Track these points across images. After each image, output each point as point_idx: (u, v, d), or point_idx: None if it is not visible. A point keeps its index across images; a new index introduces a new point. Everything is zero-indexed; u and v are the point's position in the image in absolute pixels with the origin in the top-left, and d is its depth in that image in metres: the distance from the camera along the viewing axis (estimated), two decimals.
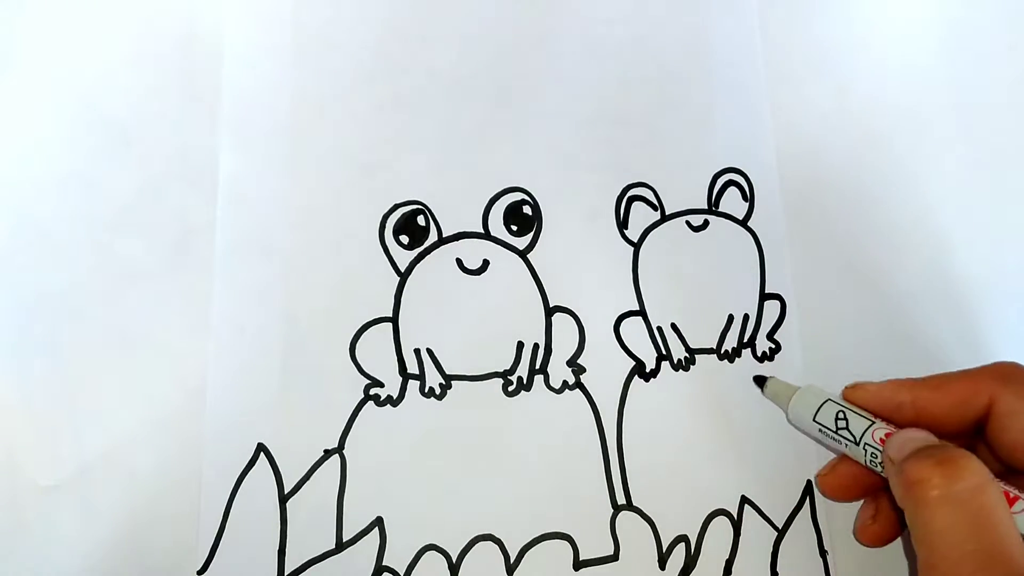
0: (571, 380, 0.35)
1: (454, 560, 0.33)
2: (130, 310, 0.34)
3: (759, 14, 0.39)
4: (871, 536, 0.33)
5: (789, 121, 0.38)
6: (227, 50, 0.36)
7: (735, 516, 0.35)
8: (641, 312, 0.36)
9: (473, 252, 0.36)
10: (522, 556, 0.33)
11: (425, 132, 0.36)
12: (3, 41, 0.34)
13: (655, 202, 0.37)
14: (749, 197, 0.37)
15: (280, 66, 0.36)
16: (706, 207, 0.37)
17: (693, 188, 0.37)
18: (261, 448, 0.34)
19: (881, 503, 0.32)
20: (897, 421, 0.30)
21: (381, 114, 0.36)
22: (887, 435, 0.29)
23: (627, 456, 0.35)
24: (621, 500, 0.34)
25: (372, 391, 0.34)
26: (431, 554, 0.33)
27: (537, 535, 0.34)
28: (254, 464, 0.33)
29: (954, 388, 0.29)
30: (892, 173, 0.38)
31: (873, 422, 0.30)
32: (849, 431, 0.31)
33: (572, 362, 0.35)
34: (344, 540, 0.33)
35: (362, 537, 0.33)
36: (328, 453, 0.34)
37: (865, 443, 0.30)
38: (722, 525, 0.34)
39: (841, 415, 0.31)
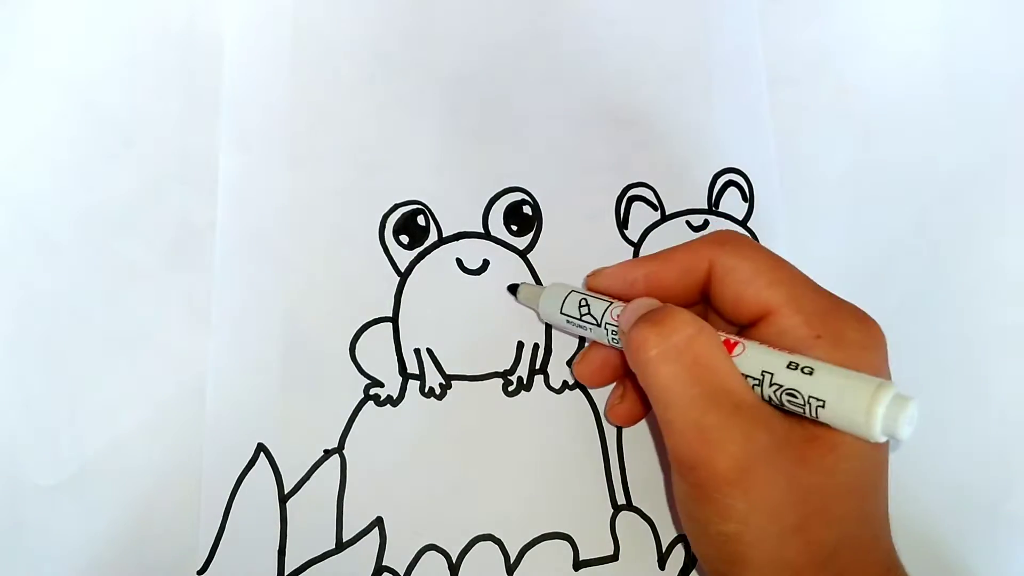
0: (571, 380, 0.35)
1: (454, 560, 0.33)
2: (130, 310, 0.34)
3: (759, 14, 0.39)
4: (620, 415, 0.34)
5: (789, 121, 0.38)
6: (227, 50, 0.36)
7: None
8: None
9: (473, 252, 0.36)
10: (522, 556, 0.33)
11: (425, 132, 0.36)
12: (3, 41, 0.34)
13: (655, 202, 0.37)
14: (749, 197, 0.37)
15: (280, 66, 0.36)
16: (706, 207, 0.37)
17: (693, 188, 0.37)
18: (261, 448, 0.34)
19: (627, 383, 0.33)
20: (632, 298, 0.31)
21: (381, 114, 0.36)
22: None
23: (627, 456, 0.35)
24: (621, 500, 0.34)
25: (372, 391, 0.34)
26: (431, 554, 0.33)
27: (537, 535, 0.34)
28: (254, 464, 0.33)
29: (678, 257, 0.30)
30: (892, 173, 0.38)
31: (611, 303, 0.31)
32: (591, 315, 0.31)
33: (572, 362, 0.35)
34: (344, 540, 0.33)
35: (362, 537, 0.33)
36: (328, 453, 0.34)
37: (606, 323, 0.31)
38: None
39: (584, 302, 0.32)
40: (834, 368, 0.26)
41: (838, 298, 0.29)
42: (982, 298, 0.38)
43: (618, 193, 0.37)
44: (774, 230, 0.37)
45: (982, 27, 0.40)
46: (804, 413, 0.27)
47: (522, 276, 0.36)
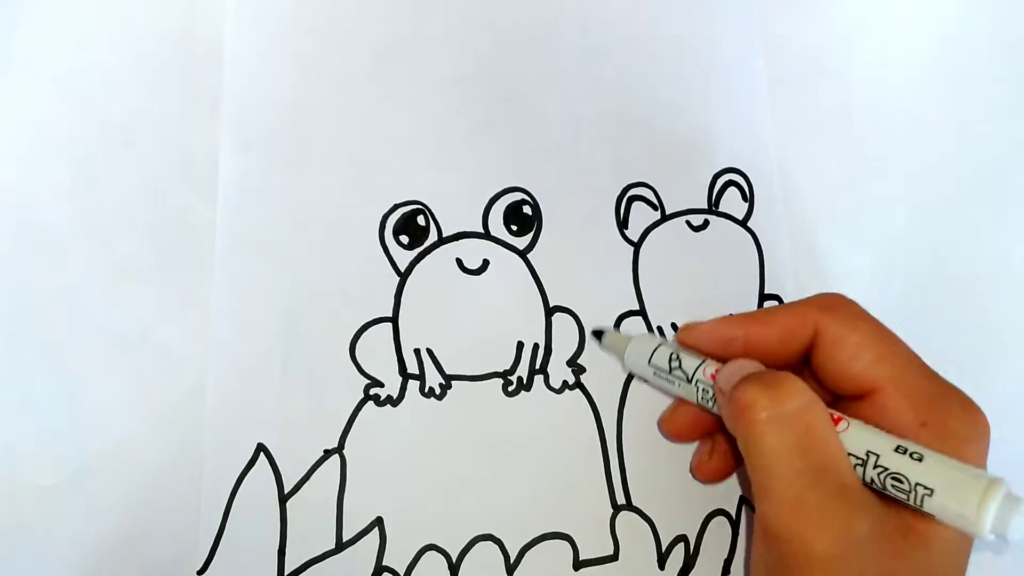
0: (571, 380, 0.35)
1: (454, 560, 0.33)
2: (130, 310, 0.34)
3: (759, 14, 0.39)
4: (707, 472, 0.33)
5: (789, 121, 0.38)
6: (227, 50, 0.36)
7: (734, 516, 0.35)
8: (641, 312, 0.36)
9: (473, 252, 0.36)
10: (522, 556, 0.33)
11: (425, 132, 0.36)
12: (3, 41, 0.34)
13: (655, 202, 0.37)
14: (749, 197, 0.37)
15: (280, 66, 0.36)
16: (706, 207, 0.37)
17: (693, 188, 0.37)
18: (261, 448, 0.34)
19: (717, 440, 0.33)
20: (728, 358, 0.30)
21: (381, 114, 0.36)
22: (717, 371, 0.30)
23: (627, 456, 0.35)
24: (621, 500, 0.34)
25: (372, 391, 0.34)
26: (431, 554, 0.33)
27: (537, 535, 0.34)
28: (254, 464, 0.33)
29: (780, 319, 0.30)
30: (892, 173, 0.38)
31: (704, 360, 0.31)
32: (682, 370, 0.31)
33: (572, 362, 0.35)
34: (344, 540, 0.33)
35: (362, 537, 0.33)
36: (328, 453, 0.34)
37: (697, 380, 0.30)
38: (721, 525, 0.34)
39: (675, 356, 0.31)
40: (944, 458, 0.25)
41: (945, 383, 0.28)
42: (982, 298, 0.38)
43: (618, 193, 0.37)
44: (774, 230, 0.37)
45: (982, 27, 0.40)
46: (908, 500, 0.26)
47: (522, 276, 0.36)
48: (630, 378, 0.35)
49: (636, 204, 0.37)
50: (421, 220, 0.36)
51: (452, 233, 0.36)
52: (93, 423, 0.33)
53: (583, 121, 0.37)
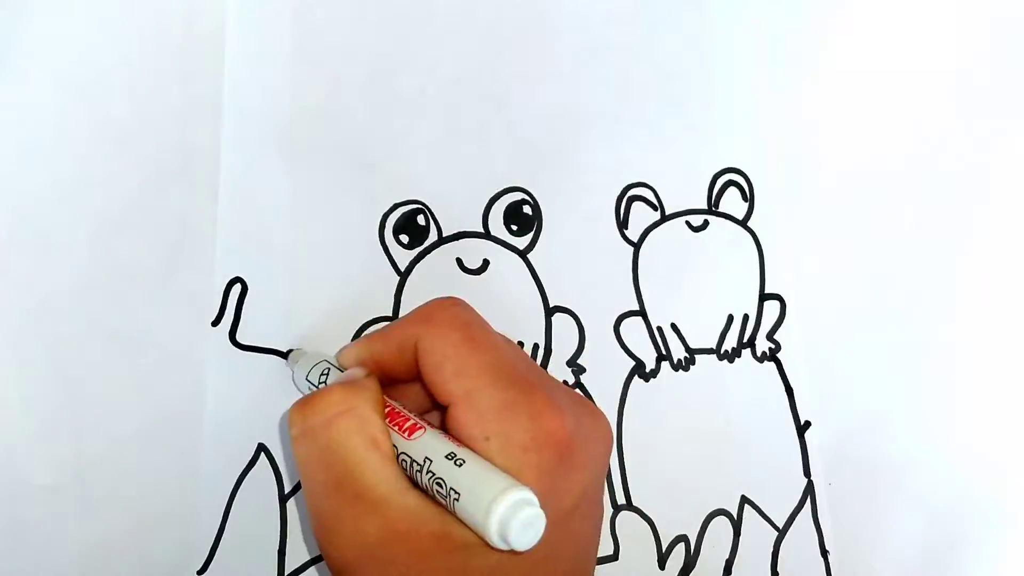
0: (571, 380, 0.35)
1: None
2: (130, 310, 0.34)
3: (759, 14, 0.39)
4: None
5: (789, 121, 0.38)
6: (227, 50, 0.36)
7: (735, 516, 0.35)
8: (641, 312, 0.36)
9: (473, 252, 0.36)
10: None
11: (425, 132, 0.36)
12: (3, 41, 0.34)
13: (655, 202, 0.37)
14: (749, 197, 0.38)
15: (280, 66, 0.36)
16: (706, 207, 0.37)
17: (693, 188, 0.37)
18: (261, 448, 0.34)
19: None
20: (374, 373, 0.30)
21: (381, 114, 0.36)
22: None
23: (627, 456, 0.35)
24: (621, 500, 0.34)
25: None
26: None
27: None
28: (254, 464, 0.33)
29: (395, 334, 0.29)
30: (892, 173, 0.38)
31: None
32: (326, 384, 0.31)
33: (572, 362, 0.35)
34: None
35: None
36: None
37: None
38: (722, 525, 0.34)
39: (326, 371, 0.31)
40: (483, 465, 0.25)
41: (524, 391, 0.27)
42: (983, 298, 0.38)
43: (618, 193, 0.37)
44: (774, 230, 0.37)
45: (983, 26, 0.40)
46: (447, 505, 0.25)
47: (522, 276, 0.36)
48: (630, 378, 0.35)
49: (636, 204, 0.37)
50: (421, 220, 0.36)
51: (452, 233, 0.36)
52: (93, 423, 0.33)
53: (583, 121, 0.37)
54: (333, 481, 0.26)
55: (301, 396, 0.29)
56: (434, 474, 0.25)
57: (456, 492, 0.25)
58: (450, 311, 0.29)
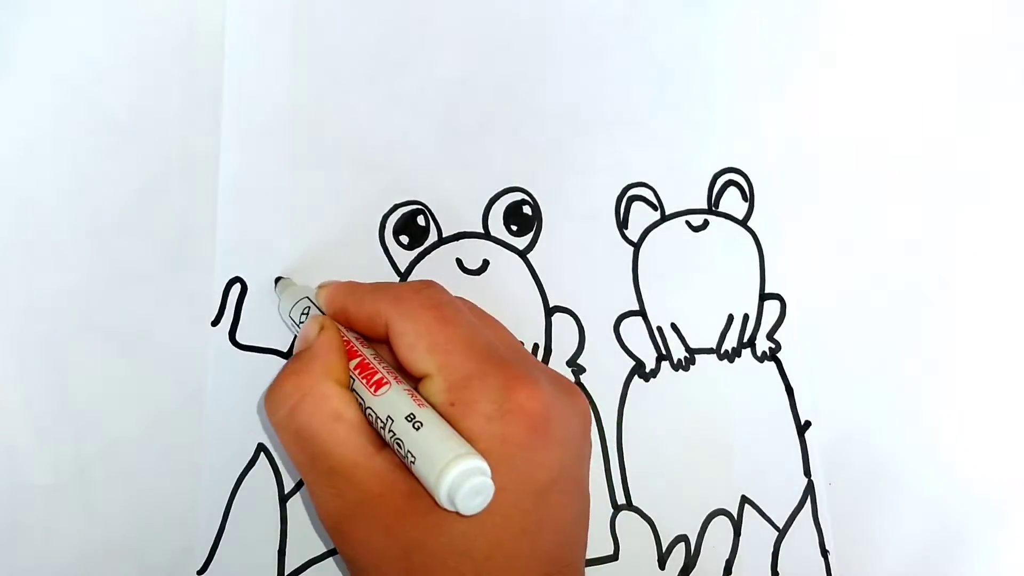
0: (571, 380, 0.35)
1: None
2: (130, 310, 0.34)
3: (759, 14, 0.39)
4: None
5: (789, 121, 0.38)
6: (227, 50, 0.36)
7: (735, 516, 0.35)
8: (641, 312, 0.36)
9: (473, 252, 0.36)
10: None
11: (425, 132, 0.36)
12: (3, 41, 0.34)
13: (655, 202, 0.37)
14: (749, 197, 0.38)
15: (280, 66, 0.36)
16: (706, 207, 0.37)
17: (693, 188, 0.37)
18: (261, 448, 0.34)
19: None
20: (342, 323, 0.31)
21: (381, 114, 0.36)
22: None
23: (627, 456, 0.35)
24: (621, 500, 0.34)
25: None
26: None
27: None
28: (254, 464, 0.33)
29: (367, 302, 0.30)
30: (892, 173, 0.38)
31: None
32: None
33: (572, 362, 0.35)
34: None
35: None
36: None
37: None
38: (722, 525, 0.34)
39: (306, 310, 0.32)
40: (443, 428, 0.26)
41: (497, 364, 0.27)
42: (983, 298, 0.38)
43: (618, 193, 0.37)
44: (774, 230, 0.37)
45: (984, 26, 0.40)
46: (407, 465, 0.26)
47: (522, 276, 0.36)
48: (630, 378, 0.35)
49: (636, 204, 0.37)
50: (421, 220, 0.36)
51: (452, 233, 0.36)
52: (92, 423, 0.33)
53: (583, 121, 0.37)
54: (309, 461, 0.27)
55: (287, 329, 0.32)
56: (395, 434, 0.26)
57: (412, 455, 0.26)
58: (423, 292, 0.29)
